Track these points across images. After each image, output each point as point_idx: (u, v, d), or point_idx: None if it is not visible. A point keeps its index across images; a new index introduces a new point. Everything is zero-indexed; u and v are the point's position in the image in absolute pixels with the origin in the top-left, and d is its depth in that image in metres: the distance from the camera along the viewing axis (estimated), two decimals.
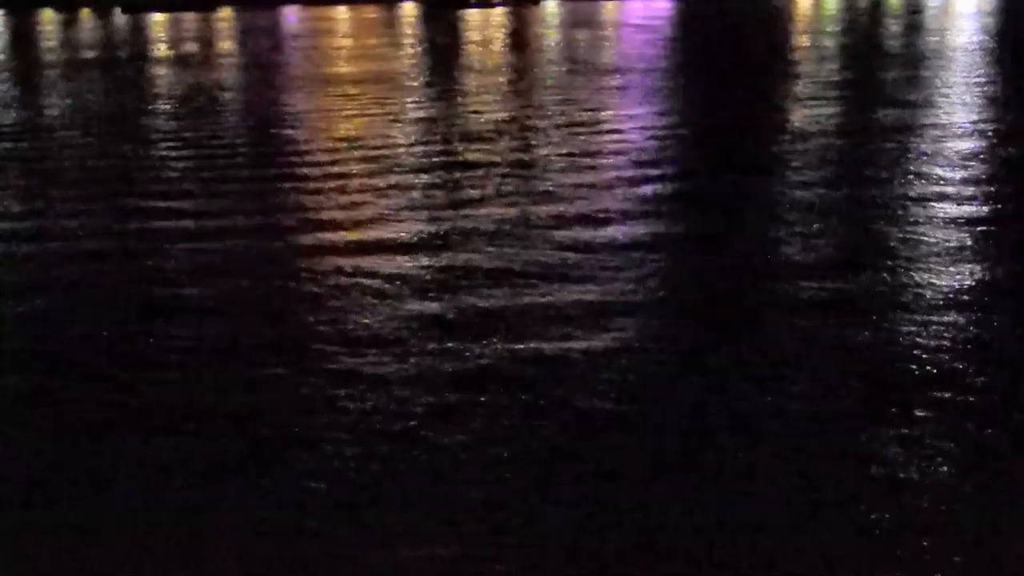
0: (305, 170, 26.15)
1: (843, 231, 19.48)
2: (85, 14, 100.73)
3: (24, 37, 79.45)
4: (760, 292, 16.10)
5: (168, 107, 39.60)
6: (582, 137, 29.51)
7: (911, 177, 23.46)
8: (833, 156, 26.52)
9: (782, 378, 12.84)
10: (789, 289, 16.08)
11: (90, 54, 63.35)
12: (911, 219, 19.91)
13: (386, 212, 21.43)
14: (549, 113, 34.13)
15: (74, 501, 10.61)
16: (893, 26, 69.90)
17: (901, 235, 18.86)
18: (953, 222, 19.73)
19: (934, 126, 30.09)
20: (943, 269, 16.89)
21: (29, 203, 23.97)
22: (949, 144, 27.16)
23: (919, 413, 11.90)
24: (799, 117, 32.48)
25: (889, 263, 17.22)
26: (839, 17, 79.13)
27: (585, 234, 19.21)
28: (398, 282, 16.67)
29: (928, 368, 13.08)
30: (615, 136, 29.77)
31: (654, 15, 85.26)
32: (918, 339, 13.96)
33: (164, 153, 29.41)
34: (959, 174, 23.69)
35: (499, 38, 68.28)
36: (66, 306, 16.39)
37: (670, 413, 12.04)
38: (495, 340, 14.13)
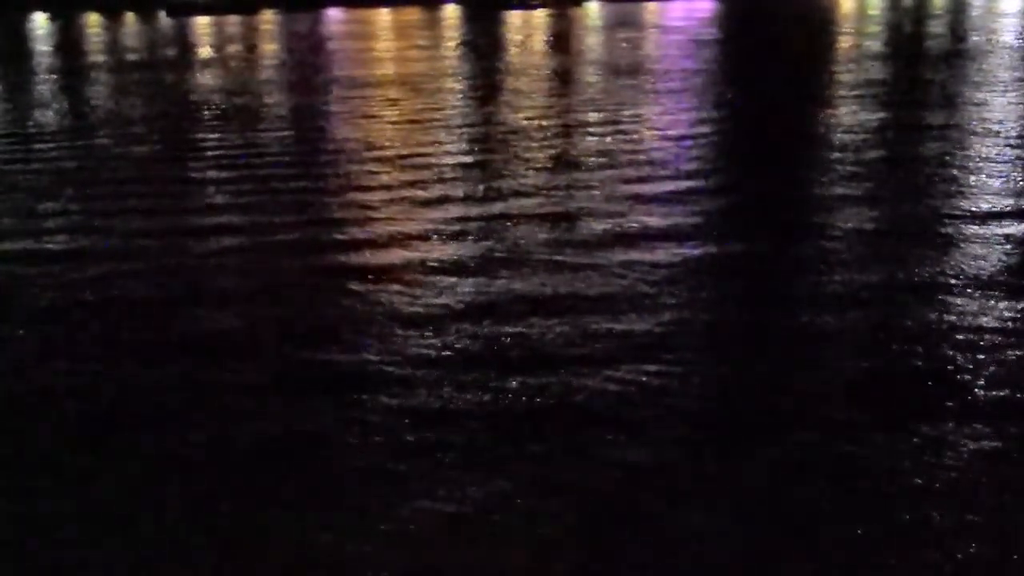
0: (341, 180, 26.16)
1: (891, 250, 18.88)
2: (129, 18, 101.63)
3: (68, 40, 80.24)
4: (803, 323, 15.57)
5: (206, 112, 39.84)
6: (621, 145, 29.28)
7: (963, 188, 23.01)
8: (879, 164, 26.22)
9: (825, 422, 12.44)
10: (834, 319, 15.56)
11: (132, 57, 63.84)
12: (963, 238, 19.35)
13: (419, 228, 21.20)
14: (587, 119, 34.00)
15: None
16: (937, 25, 69.16)
17: (951, 257, 18.34)
18: (1010, 241, 19.10)
19: (980, 127, 29.84)
20: (997, 295, 16.34)
21: (59, 217, 23.87)
22: (1005, 150, 26.81)
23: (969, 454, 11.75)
24: (842, 120, 32.12)
25: (937, 287, 16.76)
26: (882, 16, 78.42)
27: (624, 255, 18.83)
28: (428, 310, 16.39)
29: (981, 405, 12.76)
30: (655, 143, 29.52)
31: (696, 15, 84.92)
32: (968, 376, 13.56)
33: (201, 163, 29.55)
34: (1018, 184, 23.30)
35: (540, 40, 68.18)
36: (91, 336, 16.18)
37: (701, 460, 11.73)
38: (528, 373, 13.89)
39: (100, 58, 65.36)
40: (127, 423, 13.20)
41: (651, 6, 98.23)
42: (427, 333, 15.45)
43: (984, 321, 15.30)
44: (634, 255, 18.84)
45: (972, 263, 17.93)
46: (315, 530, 10.54)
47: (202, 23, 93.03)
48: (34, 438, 12.90)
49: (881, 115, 33.24)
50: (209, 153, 30.95)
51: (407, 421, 12.76)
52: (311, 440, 12.48)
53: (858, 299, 16.38)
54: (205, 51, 67.75)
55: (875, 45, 57.98)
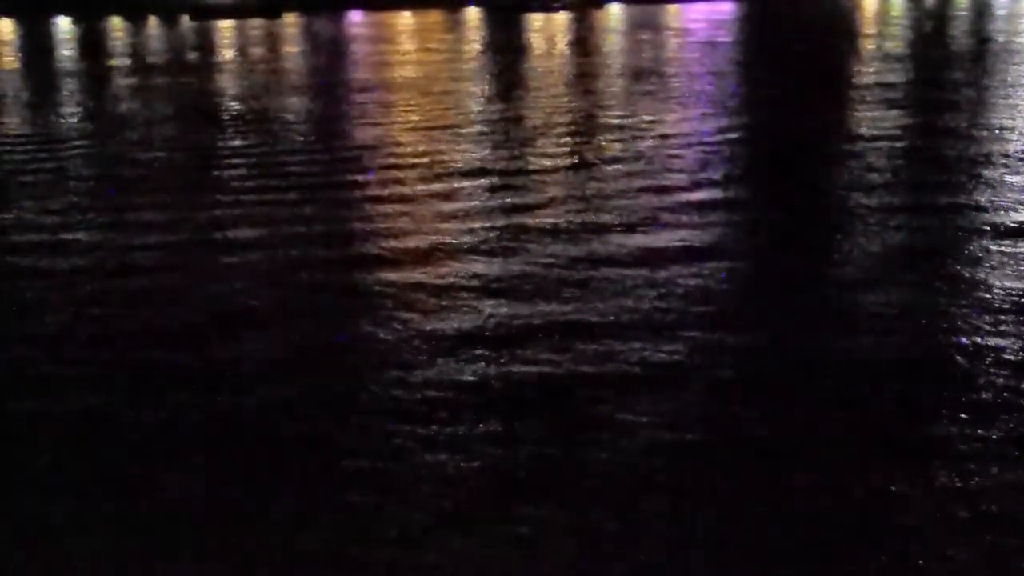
0: (359, 191, 26.23)
1: (920, 268, 18.43)
2: (152, 21, 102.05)
3: (91, 44, 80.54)
4: (829, 349, 15.11)
5: (227, 117, 39.92)
6: (643, 152, 29.11)
7: (993, 200, 22.66)
8: (903, 172, 26.02)
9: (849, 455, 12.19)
10: (861, 344, 15.14)
11: (153, 61, 63.94)
12: (994, 255, 18.96)
13: (436, 244, 20.96)
14: (607, 125, 33.93)
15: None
16: (961, 28, 68.71)
17: (982, 275, 17.92)
18: None
19: (1006, 131, 29.70)
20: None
21: (75, 230, 23.64)
22: None
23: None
24: (866, 126, 31.93)
25: (968, 308, 16.35)
26: (905, 18, 77.95)
27: (642, 273, 18.45)
28: (444, 334, 16.07)
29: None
30: (677, 151, 29.32)
31: (716, 17, 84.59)
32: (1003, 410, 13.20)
33: (220, 171, 29.63)
34: None
35: (561, 44, 68.08)
36: (102, 359, 16.01)
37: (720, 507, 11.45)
38: (544, 404, 13.69)
39: (122, 62, 65.56)
40: (131, 448, 13.23)
41: (672, 8, 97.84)
42: (443, 359, 15.21)
43: (1013, 345, 15.04)
44: (653, 274, 18.49)
45: (1002, 282, 17.57)
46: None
47: (225, 26, 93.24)
48: (34, 454, 13.03)
49: (904, 120, 33.08)
50: (229, 161, 30.97)
51: (416, 446, 12.72)
52: (322, 459, 12.57)
53: (886, 322, 16.00)
54: (227, 55, 67.99)
55: (898, 48, 57.66)
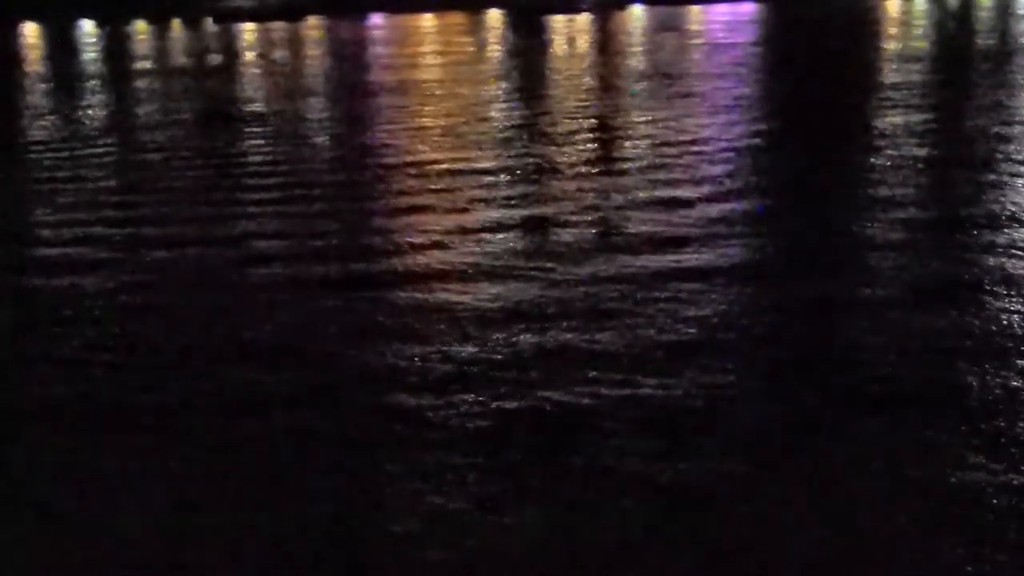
0: (377, 201, 26.13)
1: (940, 294, 17.59)
2: (176, 25, 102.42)
3: (115, 47, 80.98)
4: (858, 383, 14.49)
5: (248, 120, 40.02)
6: (668, 163, 28.68)
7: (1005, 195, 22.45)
8: (935, 182, 25.86)
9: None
10: (889, 377, 14.51)
11: (176, 64, 64.22)
12: (1004, 245, 18.73)
13: (454, 261, 20.52)
14: (626, 133, 33.79)
15: None
16: (983, 28, 68.26)
17: (992, 264, 17.82)
18: None
19: None
20: None
21: (89, 244, 23.29)
22: None
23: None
24: (893, 131, 31.72)
25: (994, 341, 15.51)
26: (927, 19, 77.47)
27: (667, 297, 17.82)
28: (460, 363, 15.57)
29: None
30: (702, 159, 29.10)
31: (739, 18, 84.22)
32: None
33: (237, 179, 29.65)
34: None
35: (582, 46, 67.99)
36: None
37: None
38: (566, 442, 13.17)
39: (146, 65, 65.92)
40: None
41: (695, 9, 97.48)
42: (446, 385, 14.85)
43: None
44: (671, 294, 17.92)
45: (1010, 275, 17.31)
46: None
47: (247, 29, 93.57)
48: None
49: (930, 124, 32.89)
50: (248, 168, 31.04)
51: (416, 471, 12.55)
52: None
53: (911, 348, 15.36)
54: (249, 58, 68.32)
55: (921, 49, 57.30)
